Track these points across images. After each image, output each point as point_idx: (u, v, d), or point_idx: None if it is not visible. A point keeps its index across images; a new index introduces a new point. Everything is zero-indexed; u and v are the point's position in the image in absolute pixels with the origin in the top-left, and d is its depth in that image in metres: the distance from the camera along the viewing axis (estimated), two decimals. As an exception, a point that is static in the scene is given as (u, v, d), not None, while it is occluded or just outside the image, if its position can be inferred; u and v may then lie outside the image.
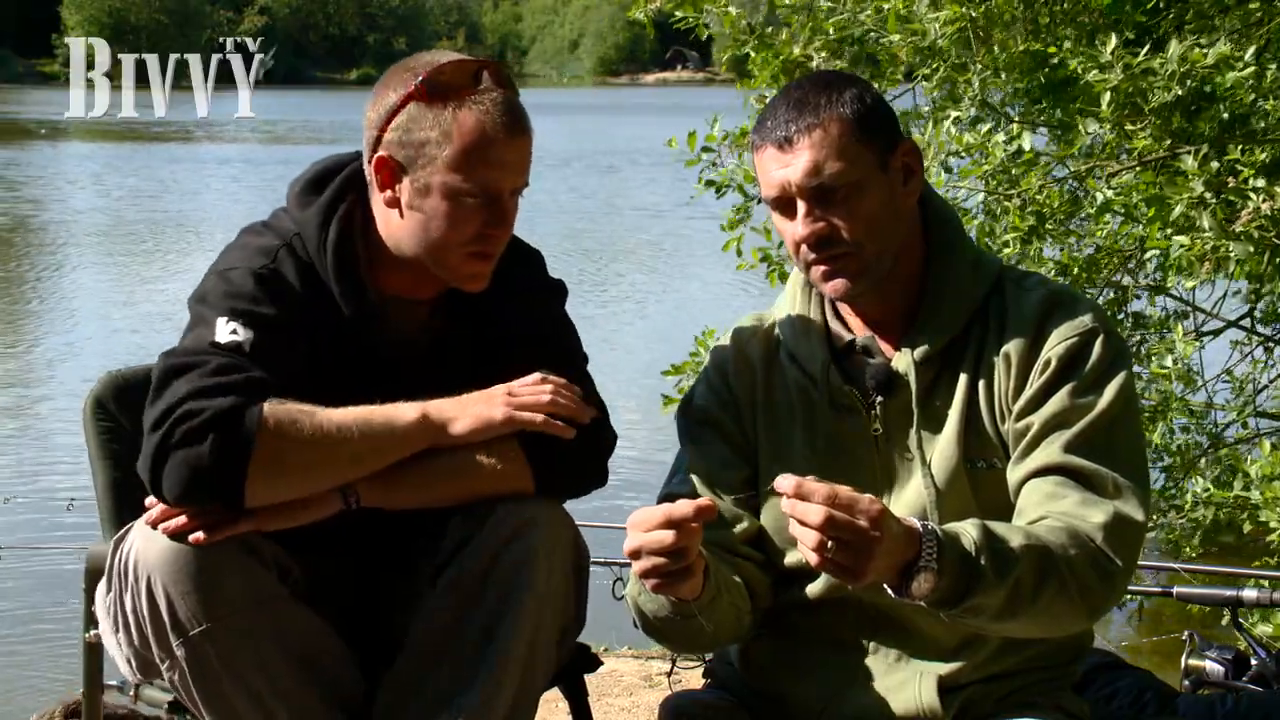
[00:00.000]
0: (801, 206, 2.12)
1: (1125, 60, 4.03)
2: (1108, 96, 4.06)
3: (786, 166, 2.11)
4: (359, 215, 2.35)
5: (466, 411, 2.26)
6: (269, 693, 2.20)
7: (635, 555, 1.93)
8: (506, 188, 2.27)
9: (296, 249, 2.32)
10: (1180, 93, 3.99)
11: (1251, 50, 4.07)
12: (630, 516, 1.93)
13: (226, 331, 2.21)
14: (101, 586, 2.27)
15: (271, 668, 2.19)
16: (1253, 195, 3.83)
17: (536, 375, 2.30)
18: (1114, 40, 4.09)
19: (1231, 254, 3.83)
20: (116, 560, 2.20)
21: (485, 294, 2.36)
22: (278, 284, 2.28)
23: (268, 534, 2.23)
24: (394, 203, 2.29)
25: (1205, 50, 3.98)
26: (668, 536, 1.90)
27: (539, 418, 2.25)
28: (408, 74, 2.26)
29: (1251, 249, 3.82)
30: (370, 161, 2.29)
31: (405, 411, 2.23)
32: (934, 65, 4.66)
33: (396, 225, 2.30)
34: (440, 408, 2.25)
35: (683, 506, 1.90)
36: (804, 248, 2.13)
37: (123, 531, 2.24)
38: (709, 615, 2.08)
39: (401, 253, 2.31)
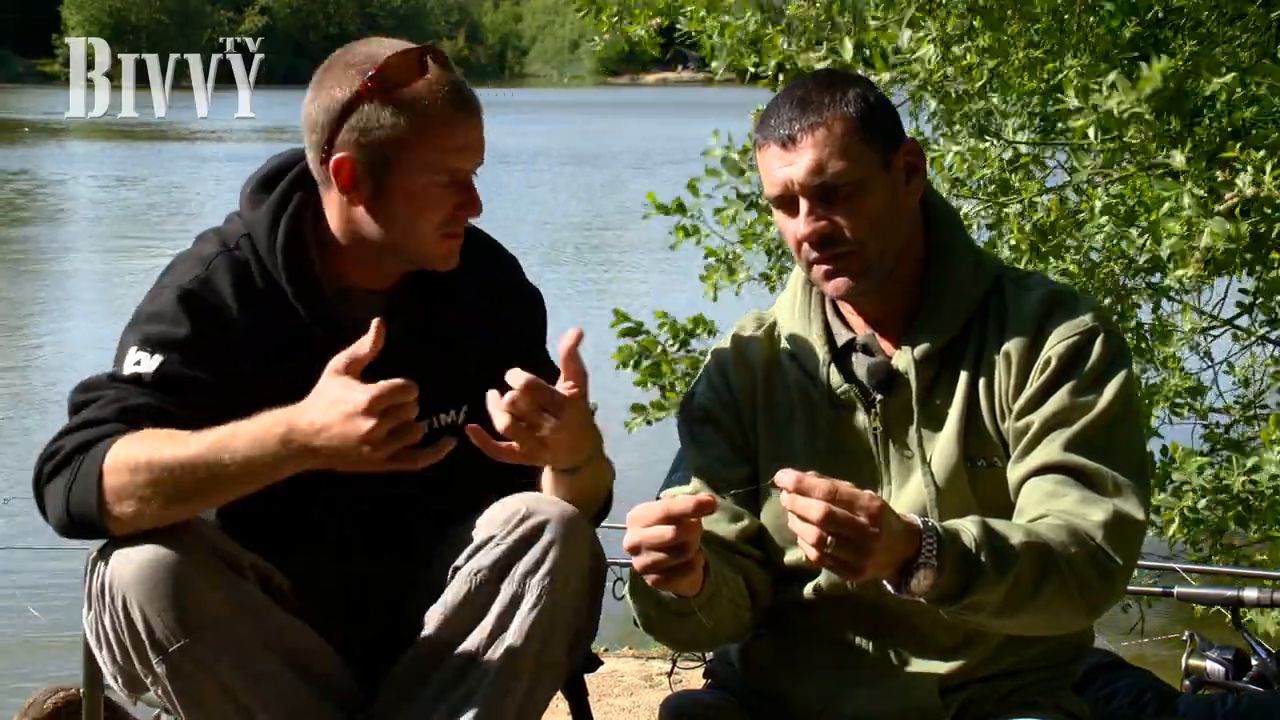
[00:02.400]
0: (804, 205, 2.12)
1: (1159, 89, 3.98)
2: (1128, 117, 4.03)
3: (790, 165, 2.11)
4: (309, 212, 2.33)
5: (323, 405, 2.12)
6: (256, 702, 2.19)
7: (635, 551, 1.93)
8: (470, 168, 2.28)
9: (242, 251, 2.31)
10: (1226, 125, 3.97)
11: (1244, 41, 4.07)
12: (630, 512, 1.93)
13: (131, 363, 2.22)
14: (83, 607, 2.24)
15: (257, 676, 2.18)
16: (1238, 183, 3.84)
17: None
18: (1112, 75, 4.07)
19: (1208, 229, 3.83)
20: (93, 581, 2.19)
21: (447, 282, 2.36)
22: (205, 297, 2.27)
23: (246, 543, 2.24)
24: (358, 200, 2.27)
25: (1259, 81, 3.97)
26: (667, 532, 1.90)
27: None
28: (351, 70, 2.23)
29: (1229, 228, 3.82)
30: (324, 162, 2.26)
31: (270, 432, 2.12)
32: (934, 77, 4.66)
33: (362, 221, 2.28)
34: (305, 432, 2.11)
35: (682, 501, 1.90)
36: (806, 246, 2.14)
37: (98, 549, 2.21)
38: (708, 612, 2.08)
39: (364, 245, 2.30)
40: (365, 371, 2.23)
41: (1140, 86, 3.93)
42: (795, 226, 2.14)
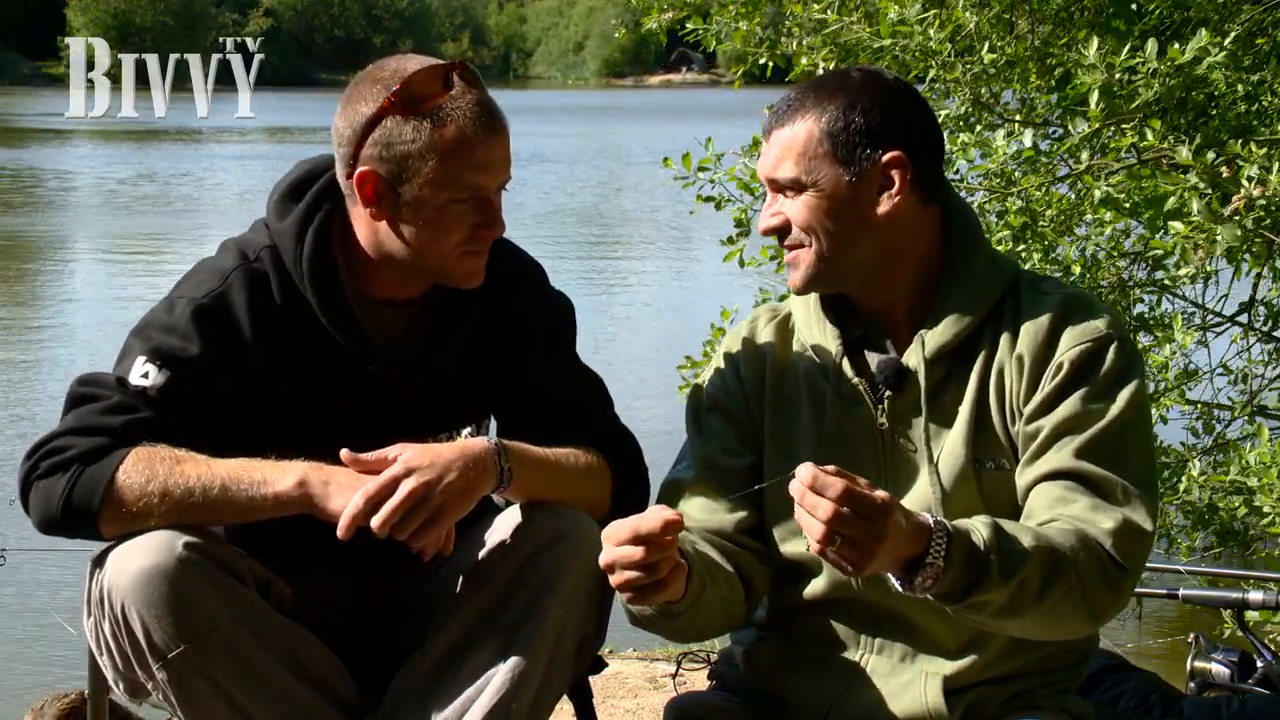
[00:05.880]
0: (769, 196, 2.19)
1: (1109, 60, 4.04)
2: (1095, 95, 4.07)
3: (764, 155, 2.20)
4: (337, 222, 2.33)
5: (344, 490, 2.18)
6: (257, 706, 2.19)
7: (609, 570, 1.93)
8: (493, 187, 2.27)
9: (262, 263, 2.31)
10: (1159, 89, 3.99)
11: (1230, 36, 4.06)
12: (605, 529, 1.94)
13: (139, 373, 2.23)
14: (83, 613, 2.26)
15: (258, 681, 2.19)
16: (1246, 183, 3.84)
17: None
18: (1096, 41, 4.10)
19: (1219, 237, 3.83)
20: (92, 587, 2.20)
21: (468, 296, 2.36)
22: (220, 314, 2.27)
23: (246, 549, 2.25)
24: (381, 215, 2.27)
25: (1183, 47, 3.98)
26: (637, 552, 1.90)
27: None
28: (377, 86, 2.23)
29: (1239, 232, 3.82)
30: (350, 176, 2.27)
31: (284, 477, 2.19)
32: (924, 65, 4.67)
33: (385, 236, 2.28)
34: (322, 479, 2.19)
35: (650, 521, 1.90)
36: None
37: (98, 555, 2.22)
38: (694, 611, 2.09)
39: (391, 259, 2.30)
40: (387, 387, 2.31)
41: (1171, 55, 3.94)
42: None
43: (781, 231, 2.18)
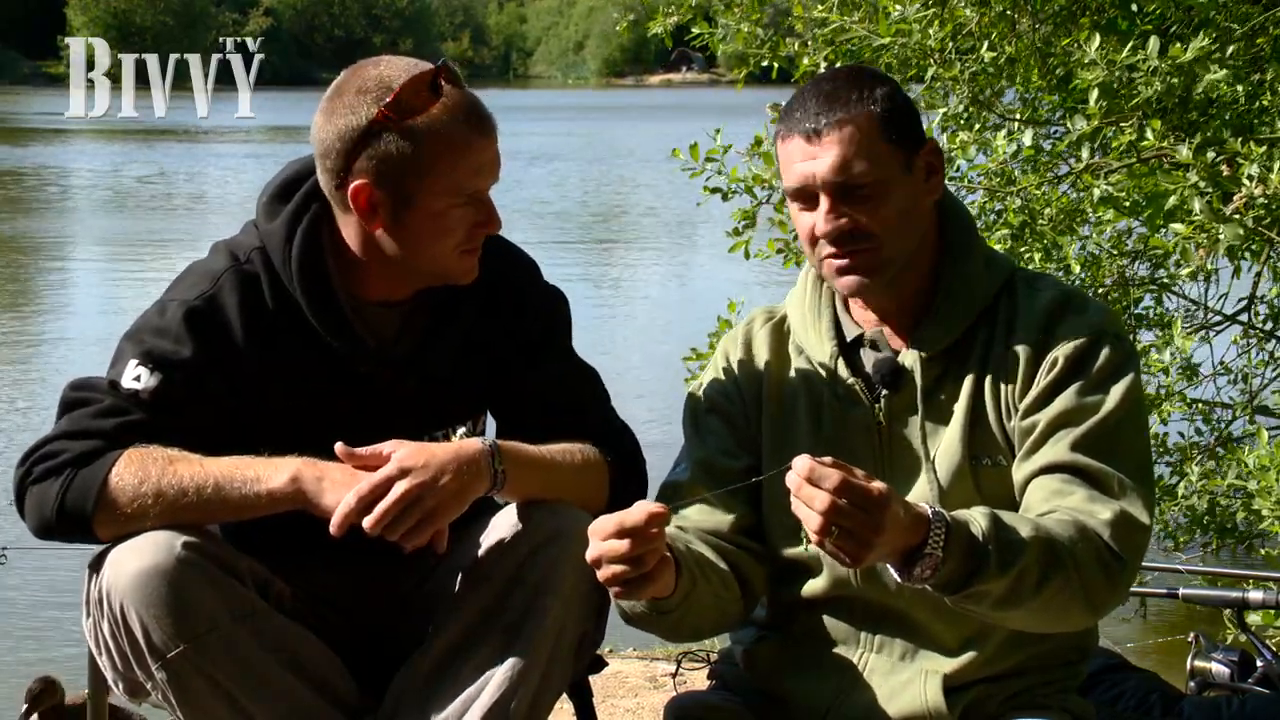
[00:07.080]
0: (825, 201, 2.11)
1: (1110, 57, 4.04)
2: (1095, 93, 4.07)
3: (813, 159, 2.11)
4: (326, 225, 2.32)
5: (338, 487, 2.18)
6: (256, 706, 2.19)
7: (597, 564, 1.93)
8: (487, 187, 2.27)
9: (253, 265, 2.30)
10: (1160, 88, 4.00)
11: (1231, 49, 4.07)
12: (591, 525, 1.94)
13: (131, 376, 2.24)
14: (82, 614, 2.26)
15: (257, 681, 2.19)
16: (1246, 182, 3.84)
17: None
18: (1097, 39, 4.10)
19: (1221, 237, 3.83)
20: (91, 588, 2.20)
21: (462, 295, 2.36)
22: (212, 316, 2.27)
23: (245, 549, 2.25)
24: (376, 225, 2.26)
25: (1185, 46, 3.98)
26: (622, 546, 1.90)
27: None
28: (365, 97, 2.21)
29: (1241, 232, 3.82)
30: (340, 188, 2.25)
31: (277, 474, 2.19)
32: (923, 64, 4.66)
33: (381, 242, 2.28)
34: (316, 475, 2.19)
35: (635, 514, 1.90)
36: (822, 242, 2.13)
37: (96, 556, 2.22)
38: (685, 609, 2.09)
39: (383, 261, 2.29)
40: (379, 388, 2.30)
41: (1174, 53, 3.94)
42: (814, 221, 2.13)
43: (846, 235, 2.11)
